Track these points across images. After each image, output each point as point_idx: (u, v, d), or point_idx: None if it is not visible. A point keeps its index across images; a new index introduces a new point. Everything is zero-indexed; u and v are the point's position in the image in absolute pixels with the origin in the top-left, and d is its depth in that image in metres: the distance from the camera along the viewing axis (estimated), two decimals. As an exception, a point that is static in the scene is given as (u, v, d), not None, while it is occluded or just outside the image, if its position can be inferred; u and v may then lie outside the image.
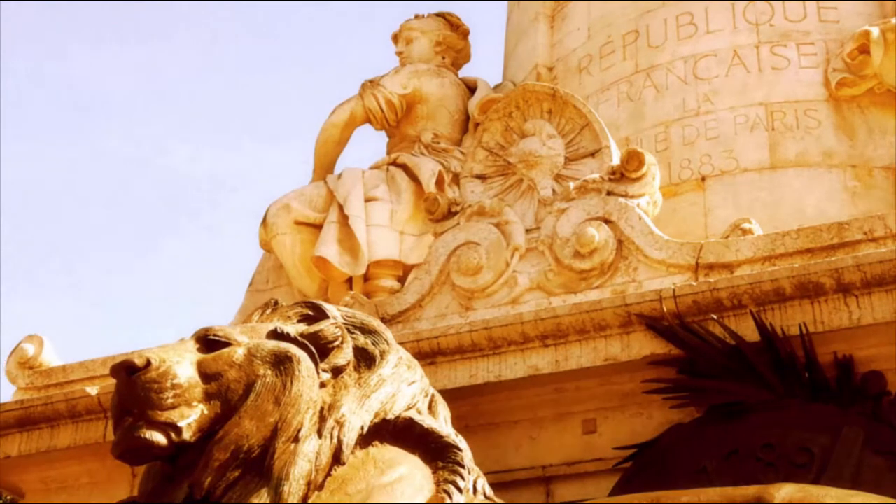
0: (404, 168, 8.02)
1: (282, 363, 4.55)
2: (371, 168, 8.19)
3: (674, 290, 5.68)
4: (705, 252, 6.18)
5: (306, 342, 4.66)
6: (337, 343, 4.73)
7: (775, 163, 7.33)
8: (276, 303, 5.04)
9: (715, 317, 5.53)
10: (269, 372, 4.53)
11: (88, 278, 31.08)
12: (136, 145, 31.47)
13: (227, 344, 4.60)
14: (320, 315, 4.84)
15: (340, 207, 7.72)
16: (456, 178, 7.87)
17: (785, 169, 7.29)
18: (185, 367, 4.51)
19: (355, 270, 7.56)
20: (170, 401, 4.45)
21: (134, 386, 4.47)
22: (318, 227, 7.77)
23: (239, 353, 4.57)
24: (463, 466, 4.70)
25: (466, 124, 8.54)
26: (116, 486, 6.96)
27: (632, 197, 6.47)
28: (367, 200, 7.84)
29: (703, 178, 7.39)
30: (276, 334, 4.68)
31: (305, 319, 4.84)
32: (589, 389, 5.94)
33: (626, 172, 6.52)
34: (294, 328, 4.73)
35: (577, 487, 5.80)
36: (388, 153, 8.43)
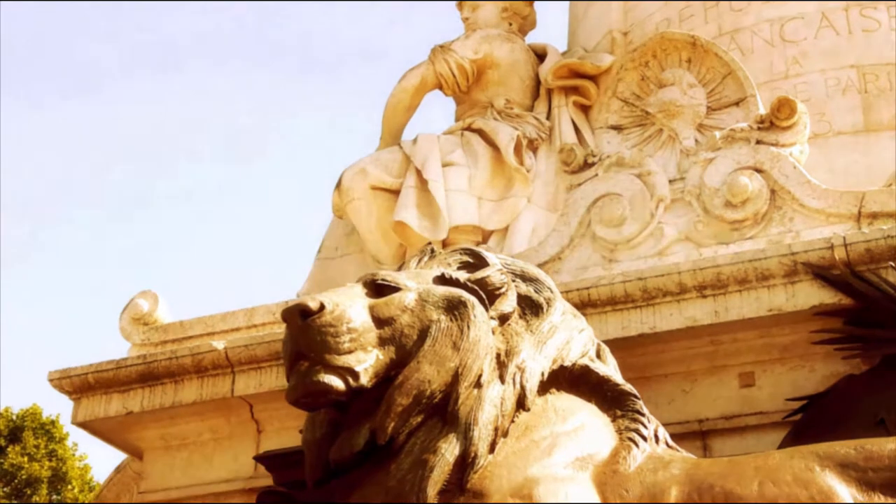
0: (480, 133, 7.87)
1: (455, 308, 4.42)
2: (445, 133, 8.05)
3: (844, 238, 5.51)
4: (868, 200, 6.01)
5: (476, 288, 4.52)
6: (503, 290, 4.61)
7: (869, 126, 7.21)
8: (432, 249, 4.92)
9: (893, 264, 5.34)
10: (442, 317, 4.39)
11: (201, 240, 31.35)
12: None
13: (395, 289, 4.47)
14: (480, 262, 4.71)
15: (418, 172, 7.57)
16: (531, 144, 7.72)
17: (878, 132, 7.15)
18: (358, 311, 4.38)
19: (435, 235, 7.40)
20: (346, 345, 4.31)
21: (309, 330, 4.31)
22: (394, 192, 7.61)
23: (410, 297, 4.44)
24: (643, 415, 4.60)
25: (536, 90, 8.37)
26: (240, 442, 6.86)
27: (783, 146, 6.31)
28: (444, 165, 7.69)
29: (795, 142, 7.24)
30: (443, 280, 4.54)
31: (465, 266, 4.72)
32: (746, 341, 5.78)
33: (776, 121, 6.34)
34: (459, 274, 4.59)
35: (736, 441, 5.64)
36: (458, 119, 8.28)
